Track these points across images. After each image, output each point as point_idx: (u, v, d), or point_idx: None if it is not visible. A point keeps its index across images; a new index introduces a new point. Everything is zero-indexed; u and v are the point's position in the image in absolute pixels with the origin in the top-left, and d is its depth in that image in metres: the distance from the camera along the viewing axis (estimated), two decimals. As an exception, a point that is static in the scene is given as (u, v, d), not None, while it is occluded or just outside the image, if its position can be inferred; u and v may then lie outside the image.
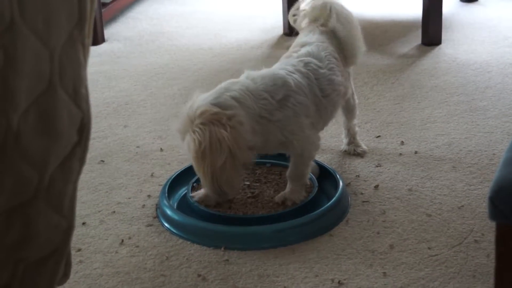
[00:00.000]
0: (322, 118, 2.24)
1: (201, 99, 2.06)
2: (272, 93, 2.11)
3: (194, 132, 2.01)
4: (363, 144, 2.57)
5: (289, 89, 2.13)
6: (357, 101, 2.54)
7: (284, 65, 2.21)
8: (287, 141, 2.13)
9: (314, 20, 2.40)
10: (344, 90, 2.32)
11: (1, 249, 1.26)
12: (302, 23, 2.44)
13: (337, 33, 2.36)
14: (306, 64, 2.22)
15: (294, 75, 2.16)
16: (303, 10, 2.44)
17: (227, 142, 1.99)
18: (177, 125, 2.08)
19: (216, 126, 2.00)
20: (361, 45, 2.43)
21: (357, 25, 2.42)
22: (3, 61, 1.15)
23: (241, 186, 2.22)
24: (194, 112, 2.02)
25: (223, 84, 2.11)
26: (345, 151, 2.56)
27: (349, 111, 2.52)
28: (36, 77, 1.20)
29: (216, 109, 2.02)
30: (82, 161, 1.32)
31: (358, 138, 2.57)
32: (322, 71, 2.23)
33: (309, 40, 2.33)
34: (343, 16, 2.37)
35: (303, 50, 2.28)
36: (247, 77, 2.14)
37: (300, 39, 2.38)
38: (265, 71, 2.18)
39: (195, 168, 2.08)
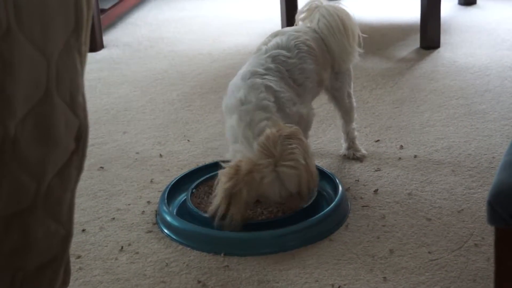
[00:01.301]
0: (305, 101, 2.28)
1: (245, 150, 2.06)
2: (268, 99, 2.13)
3: (287, 151, 2.01)
4: (363, 148, 2.57)
5: (275, 90, 2.16)
6: (354, 104, 2.54)
7: (255, 68, 2.22)
8: None
9: (306, 20, 2.47)
10: (318, 78, 2.33)
11: (-1, 257, 1.26)
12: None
13: (320, 35, 2.40)
14: (274, 58, 2.25)
15: (268, 77, 2.19)
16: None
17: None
18: (265, 181, 2.02)
19: (287, 129, 2.05)
20: (347, 51, 2.43)
21: (346, 31, 2.41)
22: (0, 69, 1.15)
23: None
24: (265, 149, 2.02)
25: (241, 132, 2.09)
26: (344, 155, 2.56)
27: (346, 114, 2.52)
28: (33, 85, 1.19)
29: (271, 130, 2.04)
30: (80, 169, 1.32)
31: (357, 142, 2.57)
32: (291, 61, 2.26)
33: (284, 30, 2.40)
34: (325, 21, 2.39)
35: (273, 42, 2.32)
36: (240, 103, 2.13)
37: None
38: (242, 88, 2.16)
39: (307, 181, 2.07)
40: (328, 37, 2.39)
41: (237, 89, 2.17)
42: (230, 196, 2.03)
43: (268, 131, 2.04)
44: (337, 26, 2.39)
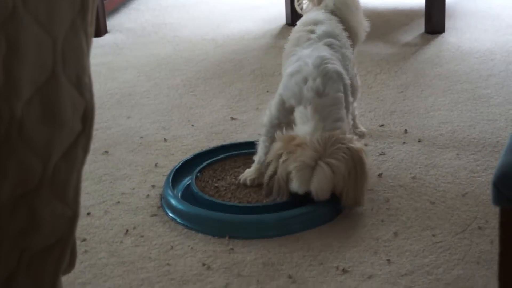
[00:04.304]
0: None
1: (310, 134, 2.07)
2: (340, 90, 2.15)
3: (334, 155, 2.03)
4: (362, 126, 2.59)
5: (343, 77, 2.18)
6: (359, 82, 2.55)
7: (321, 53, 2.19)
8: None
9: (317, 3, 2.47)
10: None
11: (6, 238, 1.27)
12: (307, 9, 2.49)
13: (337, 14, 2.42)
14: (330, 46, 2.26)
15: (335, 62, 2.19)
16: None
17: None
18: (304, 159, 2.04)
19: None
20: (362, 25, 2.48)
21: (357, 7, 2.46)
22: (6, 50, 1.15)
23: None
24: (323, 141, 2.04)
25: (314, 123, 2.08)
26: None
27: (352, 92, 2.54)
28: (39, 66, 1.20)
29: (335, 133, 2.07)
30: (86, 149, 1.32)
31: (357, 120, 2.59)
32: (343, 50, 2.29)
33: (319, 17, 2.38)
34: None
35: (320, 30, 2.30)
36: (317, 95, 2.11)
37: (307, 17, 2.41)
38: (317, 77, 2.13)
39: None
40: (346, 14, 2.42)
41: (312, 78, 2.13)
42: (278, 160, 2.09)
43: (329, 134, 2.05)
44: (352, 2, 2.44)
